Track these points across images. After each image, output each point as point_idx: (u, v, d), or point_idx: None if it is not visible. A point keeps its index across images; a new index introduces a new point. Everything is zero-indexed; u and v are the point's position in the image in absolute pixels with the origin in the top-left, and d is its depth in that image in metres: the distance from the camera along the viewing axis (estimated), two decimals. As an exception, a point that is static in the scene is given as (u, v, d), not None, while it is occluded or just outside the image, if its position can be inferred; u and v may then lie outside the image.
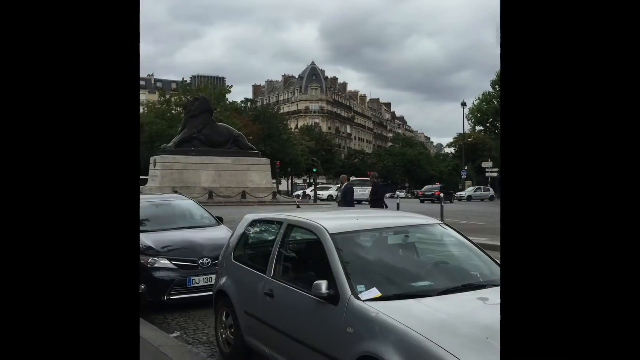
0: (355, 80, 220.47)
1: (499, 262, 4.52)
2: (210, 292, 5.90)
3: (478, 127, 59.51)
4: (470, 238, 4.76)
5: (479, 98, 57.28)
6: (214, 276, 6.15)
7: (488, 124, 58.01)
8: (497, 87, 52.74)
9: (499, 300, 3.85)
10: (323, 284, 3.64)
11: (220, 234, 7.98)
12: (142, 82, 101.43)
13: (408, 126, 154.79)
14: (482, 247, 4.65)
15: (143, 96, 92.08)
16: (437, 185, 48.38)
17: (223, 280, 5.35)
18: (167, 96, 54.41)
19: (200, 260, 7.23)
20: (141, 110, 65.85)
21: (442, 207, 19.08)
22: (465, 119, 54.19)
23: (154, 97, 78.61)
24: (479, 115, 57.06)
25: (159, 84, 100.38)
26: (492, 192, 48.53)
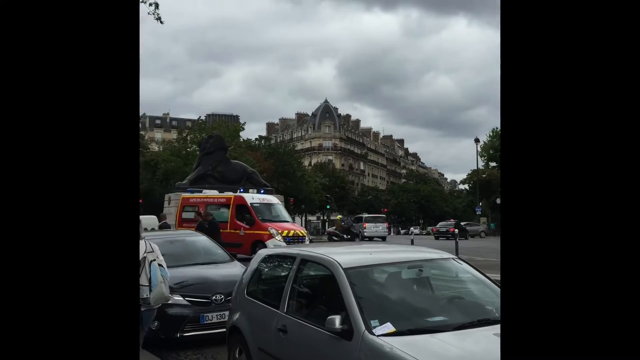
0: (371, 117, 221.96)
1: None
2: (224, 329, 5.86)
3: (491, 164, 59.36)
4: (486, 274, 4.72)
5: (490, 135, 57.34)
6: (227, 313, 6.12)
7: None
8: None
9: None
10: (337, 319, 3.61)
11: (234, 270, 7.97)
12: (157, 121, 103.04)
13: (422, 163, 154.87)
14: (498, 283, 4.60)
15: (158, 134, 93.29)
16: (452, 221, 48.03)
17: (236, 316, 5.33)
18: (184, 134, 55.06)
19: (214, 297, 7.21)
20: (157, 148, 66.65)
21: (456, 243, 18.91)
22: (479, 156, 54.19)
23: (170, 135, 79.62)
24: (491, 151, 56.99)
25: (174, 123, 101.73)
26: (482, 226, 49.05)
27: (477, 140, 50.71)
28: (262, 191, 23.82)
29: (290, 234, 18.04)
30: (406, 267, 4.62)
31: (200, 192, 23.29)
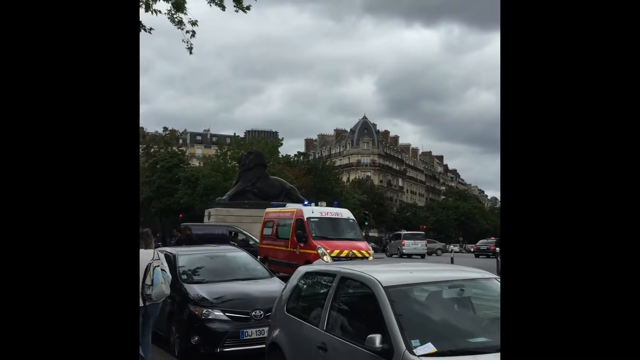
0: (411, 134, 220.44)
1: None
2: (263, 345, 5.90)
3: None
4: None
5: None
6: (266, 329, 6.16)
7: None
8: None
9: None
10: (377, 338, 3.60)
11: (273, 286, 8.01)
12: (198, 137, 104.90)
13: (461, 179, 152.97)
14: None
15: (199, 150, 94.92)
16: (492, 239, 47.14)
17: (276, 332, 5.35)
18: (224, 150, 55.94)
19: (253, 313, 7.26)
20: (197, 164, 67.77)
21: (498, 262, 18.55)
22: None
23: (209, 151, 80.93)
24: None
25: (214, 139, 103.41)
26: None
27: (518, 157, 49.79)
28: (335, 203, 21.29)
29: (343, 254, 15.31)
30: (447, 286, 4.57)
31: (284, 205, 20.56)
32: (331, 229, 16.67)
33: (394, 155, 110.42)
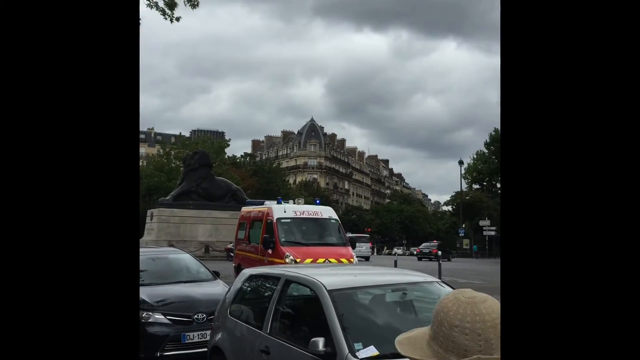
0: (358, 137, 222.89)
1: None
2: (205, 349, 5.81)
3: (475, 186, 59.83)
4: (468, 297, 4.74)
5: (474, 157, 57.95)
6: (209, 332, 6.07)
7: (485, 183, 58.40)
8: (492, 147, 53.43)
9: None
10: (320, 342, 3.61)
11: (217, 289, 7.91)
12: (142, 136, 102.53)
13: (406, 183, 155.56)
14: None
15: (142, 149, 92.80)
16: (435, 243, 48.18)
17: (218, 336, 5.28)
18: (167, 149, 54.88)
19: (196, 316, 7.14)
20: (140, 163, 66.17)
21: (439, 265, 18.97)
22: (463, 178, 54.62)
23: (153, 150, 79.28)
24: (475, 174, 57.54)
25: (158, 138, 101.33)
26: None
27: (461, 163, 51.14)
28: (317, 201, 17.95)
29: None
30: (390, 289, 4.63)
31: (262, 203, 16.85)
32: (306, 232, 13.80)
33: (341, 158, 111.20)
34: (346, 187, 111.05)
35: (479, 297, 1.53)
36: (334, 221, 14.46)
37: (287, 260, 12.35)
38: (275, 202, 15.45)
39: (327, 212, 14.78)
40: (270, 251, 13.00)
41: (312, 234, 13.86)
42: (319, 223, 14.24)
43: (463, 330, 1.47)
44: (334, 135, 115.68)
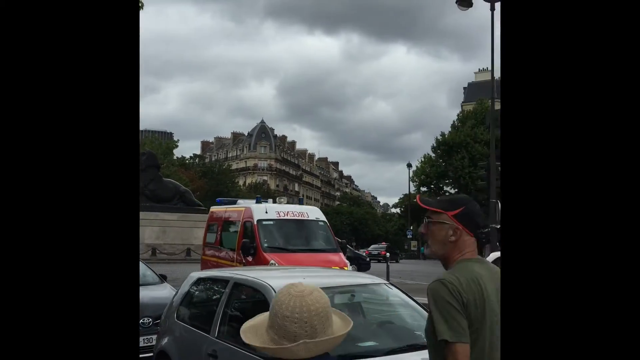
0: (309, 139, 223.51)
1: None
2: (151, 354, 5.70)
3: (423, 188, 60.91)
4: (416, 298, 4.83)
5: (421, 161, 59.00)
6: (155, 337, 5.96)
7: (432, 186, 59.55)
8: (438, 151, 54.51)
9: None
10: (268, 345, 3.59)
11: (163, 292, 7.77)
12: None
13: (356, 185, 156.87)
14: (426, 307, 4.71)
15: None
16: (383, 244, 48.73)
17: (165, 341, 5.19)
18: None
19: (141, 320, 6.99)
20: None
21: (388, 266, 19.21)
22: (411, 181, 55.53)
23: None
24: (423, 177, 58.59)
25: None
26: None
27: (409, 165, 52.03)
28: (300, 200, 16.58)
29: None
30: (339, 292, 4.66)
31: (235, 202, 14.47)
32: (292, 237, 11.99)
33: (291, 160, 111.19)
34: (296, 189, 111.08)
35: (306, 290, 1.79)
36: (322, 223, 12.54)
37: None
38: (254, 201, 13.36)
39: (314, 212, 12.77)
40: (250, 258, 10.96)
41: (298, 238, 11.97)
42: (306, 225, 12.24)
43: (293, 320, 1.74)
44: (284, 137, 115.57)
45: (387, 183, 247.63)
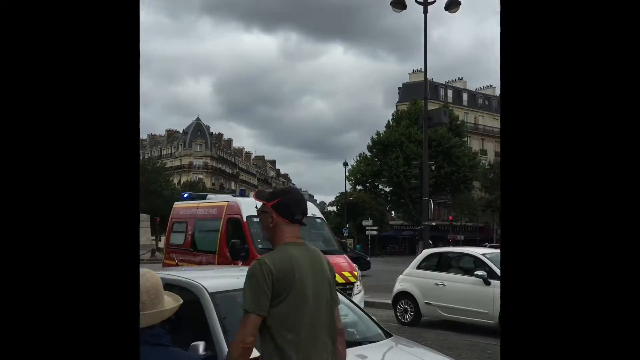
0: (246, 137, 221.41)
1: (374, 318, 4.67)
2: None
3: (359, 187, 61.68)
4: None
5: (357, 159, 59.77)
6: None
7: (367, 184, 60.42)
8: (374, 150, 55.35)
9: (376, 357, 3.96)
10: (200, 346, 3.55)
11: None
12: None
13: (293, 184, 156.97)
14: (365, 303, 4.77)
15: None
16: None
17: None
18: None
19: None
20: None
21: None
22: (347, 179, 56.10)
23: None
24: (359, 175, 59.36)
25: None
26: None
27: (345, 164, 52.47)
28: (242, 192, 14.65)
29: None
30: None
31: (204, 197, 12.68)
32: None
33: (228, 158, 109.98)
34: (232, 187, 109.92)
35: (140, 272, 2.16)
36: (319, 220, 10.83)
37: None
38: (232, 195, 11.82)
39: (309, 208, 9.88)
40: (240, 263, 8.95)
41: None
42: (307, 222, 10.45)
43: (141, 292, 2.23)
44: (220, 135, 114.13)
45: (324, 181, 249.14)
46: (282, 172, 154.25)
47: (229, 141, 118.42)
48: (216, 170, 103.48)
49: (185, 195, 13.49)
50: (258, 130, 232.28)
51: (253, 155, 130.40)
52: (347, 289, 8.85)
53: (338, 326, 2.74)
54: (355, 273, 9.44)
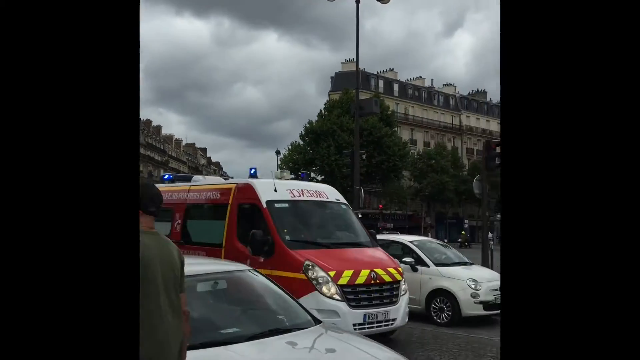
0: (176, 124, 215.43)
1: (304, 305, 4.72)
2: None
3: (290, 175, 61.64)
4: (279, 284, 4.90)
5: (289, 148, 59.80)
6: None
7: (300, 173, 60.55)
8: (306, 138, 55.58)
9: (306, 344, 4.01)
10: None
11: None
12: None
13: (224, 172, 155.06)
14: (289, 293, 4.81)
15: None
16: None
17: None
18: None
19: None
20: None
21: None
22: (279, 168, 56.00)
23: None
24: (290, 164, 59.44)
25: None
26: None
27: (277, 153, 52.39)
28: (302, 175, 12.44)
29: (360, 279, 7.21)
30: (202, 279, 4.60)
31: (189, 179, 10.99)
32: (319, 226, 8.47)
33: (157, 145, 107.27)
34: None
35: None
36: (344, 207, 9.09)
37: (310, 274, 7.00)
38: (202, 177, 10.04)
39: (331, 193, 9.07)
40: (262, 259, 7.38)
41: (328, 228, 8.54)
42: (329, 210, 8.79)
43: None
44: (149, 122, 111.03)
45: (257, 169, 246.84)
46: (214, 160, 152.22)
47: (158, 128, 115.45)
48: (144, 157, 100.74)
49: (167, 176, 11.37)
50: (188, 117, 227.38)
51: (183, 143, 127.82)
52: (393, 288, 7.62)
53: (184, 309, 3.08)
54: (400, 269, 8.08)
